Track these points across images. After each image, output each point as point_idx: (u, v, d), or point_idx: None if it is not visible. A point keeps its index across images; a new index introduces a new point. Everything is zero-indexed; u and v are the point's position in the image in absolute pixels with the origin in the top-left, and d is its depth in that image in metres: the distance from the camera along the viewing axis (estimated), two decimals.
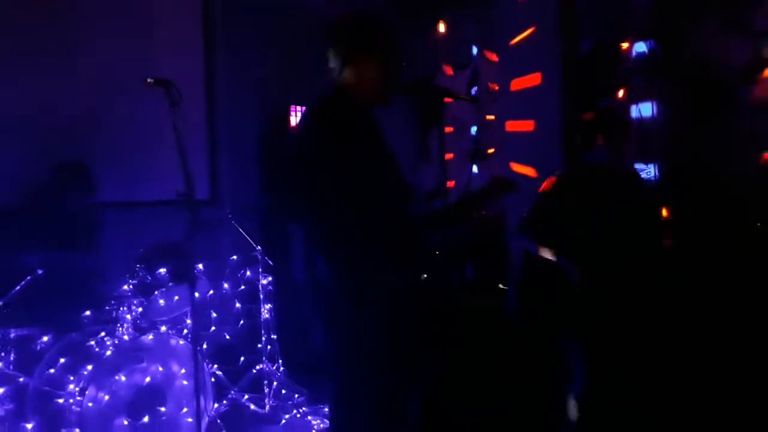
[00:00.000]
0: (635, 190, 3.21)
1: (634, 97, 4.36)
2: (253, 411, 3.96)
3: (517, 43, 4.73)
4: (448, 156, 6.28)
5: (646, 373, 2.97)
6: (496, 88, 5.63)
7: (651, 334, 2.97)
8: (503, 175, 4.34)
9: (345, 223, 2.09)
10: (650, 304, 2.96)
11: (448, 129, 6.20)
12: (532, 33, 4.64)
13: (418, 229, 2.23)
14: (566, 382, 3.09)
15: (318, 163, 2.10)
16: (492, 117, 5.93)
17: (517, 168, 4.59)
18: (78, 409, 3.09)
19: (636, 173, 3.39)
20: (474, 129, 6.14)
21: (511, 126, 4.87)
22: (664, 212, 3.64)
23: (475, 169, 5.77)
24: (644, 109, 4.24)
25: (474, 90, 6.15)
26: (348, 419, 2.22)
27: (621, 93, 4.48)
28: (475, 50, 6.19)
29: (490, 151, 5.78)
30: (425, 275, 2.34)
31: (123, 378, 3.27)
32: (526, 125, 4.72)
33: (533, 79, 4.65)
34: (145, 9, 4.74)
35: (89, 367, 3.20)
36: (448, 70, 6.26)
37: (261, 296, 4.11)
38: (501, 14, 4.97)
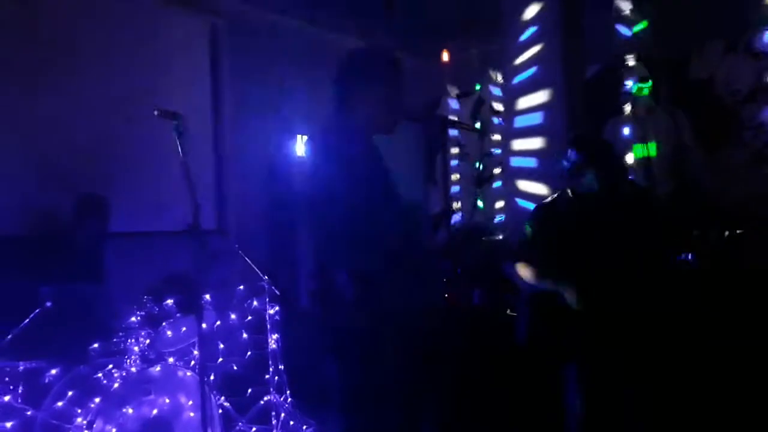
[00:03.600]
0: (635, 210, 3.18)
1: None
2: None
3: (523, 67, 4.78)
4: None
5: (642, 394, 2.96)
6: (502, 110, 5.67)
7: (646, 356, 2.95)
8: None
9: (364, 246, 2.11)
10: (646, 325, 2.93)
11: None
12: (538, 57, 4.68)
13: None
14: (565, 405, 3.07)
15: (334, 185, 2.15)
16: (496, 144, 5.98)
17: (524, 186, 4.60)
18: None
19: (634, 194, 3.35)
20: (478, 156, 6.19)
21: (518, 148, 4.89)
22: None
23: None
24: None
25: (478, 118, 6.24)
26: None
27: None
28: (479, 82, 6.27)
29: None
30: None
31: (130, 410, 3.25)
32: (533, 146, 4.73)
33: (540, 102, 4.68)
34: (156, 42, 4.82)
35: (97, 400, 3.18)
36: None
37: (268, 326, 4.09)
38: (507, 40, 5.01)
